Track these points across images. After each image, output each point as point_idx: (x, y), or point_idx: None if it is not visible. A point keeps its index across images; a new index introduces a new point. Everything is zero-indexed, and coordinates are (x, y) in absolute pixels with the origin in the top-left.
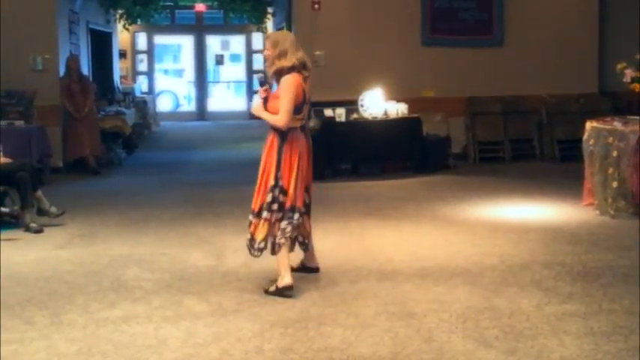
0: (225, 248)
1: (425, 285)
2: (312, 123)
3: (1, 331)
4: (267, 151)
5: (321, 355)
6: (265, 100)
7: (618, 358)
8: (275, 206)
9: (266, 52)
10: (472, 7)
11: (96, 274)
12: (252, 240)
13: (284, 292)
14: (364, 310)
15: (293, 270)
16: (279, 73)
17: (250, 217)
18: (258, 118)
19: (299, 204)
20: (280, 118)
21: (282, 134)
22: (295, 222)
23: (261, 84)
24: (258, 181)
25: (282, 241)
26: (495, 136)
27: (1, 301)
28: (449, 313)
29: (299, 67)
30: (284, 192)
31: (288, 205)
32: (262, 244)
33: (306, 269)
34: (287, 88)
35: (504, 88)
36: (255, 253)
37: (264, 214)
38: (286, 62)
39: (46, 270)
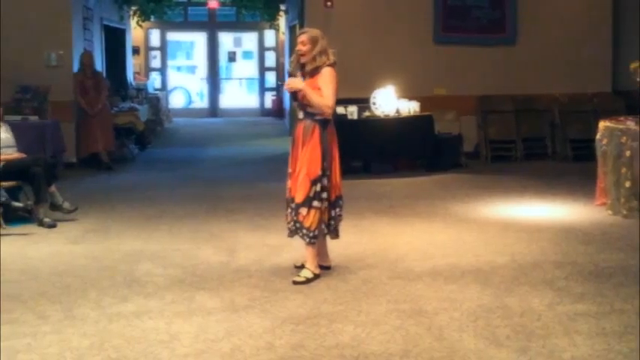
0: (237, 244)
1: (436, 283)
2: None
3: (15, 325)
4: (309, 142)
5: (332, 351)
6: (293, 94)
7: (630, 358)
8: (324, 195)
9: (304, 48)
10: (485, 5)
11: (109, 269)
12: (306, 229)
13: (311, 282)
14: (375, 307)
15: (303, 267)
16: (317, 69)
17: (293, 207)
18: (296, 95)
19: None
20: (328, 102)
21: (324, 124)
22: (341, 210)
23: (290, 76)
24: (297, 172)
25: (325, 230)
26: (508, 135)
27: (14, 295)
28: (460, 311)
29: (335, 64)
30: (330, 181)
31: (338, 193)
32: (316, 232)
33: (319, 266)
34: (331, 78)
35: (517, 87)
36: (312, 241)
37: (315, 203)
38: (329, 59)
39: (60, 265)
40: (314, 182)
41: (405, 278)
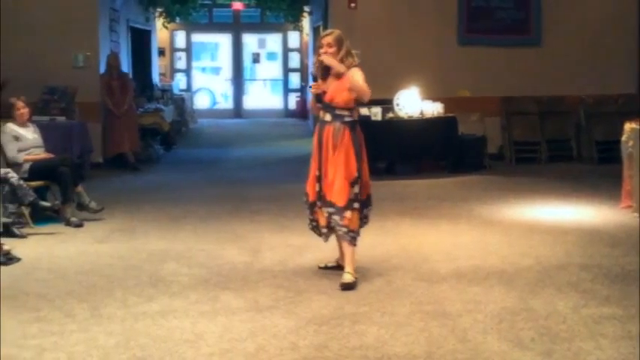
0: (260, 245)
1: (460, 285)
2: None
3: (42, 323)
4: (340, 145)
5: (356, 353)
6: (318, 96)
7: None
8: (360, 196)
9: (330, 50)
10: (510, 7)
11: (135, 269)
12: (351, 231)
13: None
14: (399, 309)
15: (327, 268)
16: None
17: (332, 211)
18: (321, 97)
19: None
20: (367, 90)
21: (353, 126)
22: (369, 211)
23: (314, 79)
24: (332, 176)
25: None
26: (532, 137)
27: (42, 293)
28: (484, 313)
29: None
30: (361, 181)
31: (368, 192)
32: (359, 232)
33: (341, 267)
34: (362, 75)
35: (541, 88)
36: (355, 242)
37: (355, 204)
38: (355, 60)
39: (86, 264)
40: (352, 184)
41: (428, 280)
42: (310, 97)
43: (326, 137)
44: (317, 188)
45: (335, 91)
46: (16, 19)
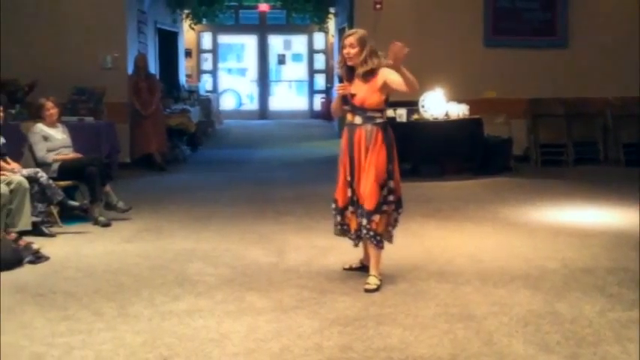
0: (285, 245)
1: (485, 287)
2: None
3: (71, 322)
4: (373, 148)
5: (380, 354)
6: (345, 98)
7: None
8: (391, 197)
9: (353, 51)
10: (536, 8)
11: (161, 268)
12: (378, 234)
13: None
14: (424, 310)
15: (351, 269)
16: (372, 72)
17: (363, 214)
18: (348, 99)
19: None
20: (414, 80)
21: (384, 127)
22: (398, 214)
23: (340, 80)
24: (364, 179)
25: (393, 232)
26: (558, 139)
27: (70, 292)
28: (509, 316)
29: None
30: (395, 182)
31: (399, 195)
32: (386, 235)
33: (366, 268)
34: (393, 72)
35: (568, 90)
36: (382, 245)
37: (384, 207)
38: (381, 60)
39: (114, 263)
40: (382, 187)
41: (453, 282)
42: (334, 99)
43: (358, 140)
44: (349, 193)
45: (366, 93)
46: (45, 21)
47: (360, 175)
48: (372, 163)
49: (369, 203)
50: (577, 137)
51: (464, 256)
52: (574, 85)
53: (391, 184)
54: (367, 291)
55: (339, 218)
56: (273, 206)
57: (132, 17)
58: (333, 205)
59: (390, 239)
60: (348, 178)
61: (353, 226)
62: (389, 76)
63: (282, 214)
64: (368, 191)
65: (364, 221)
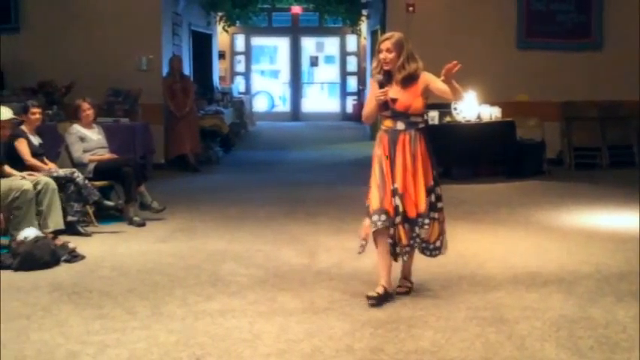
0: (317, 247)
1: (517, 292)
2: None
3: (105, 320)
4: (418, 154)
5: (412, 356)
6: (385, 103)
7: None
8: (440, 204)
9: (390, 56)
10: (570, 10)
11: (195, 268)
12: (432, 244)
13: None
14: (455, 314)
15: (403, 291)
16: (411, 77)
17: (413, 221)
18: (388, 104)
19: None
20: (460, 88)
21: (425, 132)
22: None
23: (381, 85)
24: (412, 187)
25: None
26: (592, 142)
27: (105, 291)
28: (542, 320)
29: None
30: (440, 189)
31: (442, 203)
32: (438, 243)
33: (410, 288)
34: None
35: (602, 93)
36: (434, 253)
37: (434, 214)
38: (419, 64)
39: (148, 262)
40: (429, 192)
41: (485, 285)
42: (367, 104)
43: (402, 147)
44: (396, 202)
45: (409, 98)
46: (83, 24)
47: (405, 182)
48: (420, 171)
49: (419, 209)
50: (611, 140)
51: (496, 259)
52: (608, 87)
53: (438, 190)
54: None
55: (391, 231)
56: (304, 208)
57: (167, 19)
58: (384, 217)
59: (443, 249)
60: (392, 187)
61: (404, 240)
62: (434, 82)
63: (314, 215)
64: (419, 199)
65: (416, 229)
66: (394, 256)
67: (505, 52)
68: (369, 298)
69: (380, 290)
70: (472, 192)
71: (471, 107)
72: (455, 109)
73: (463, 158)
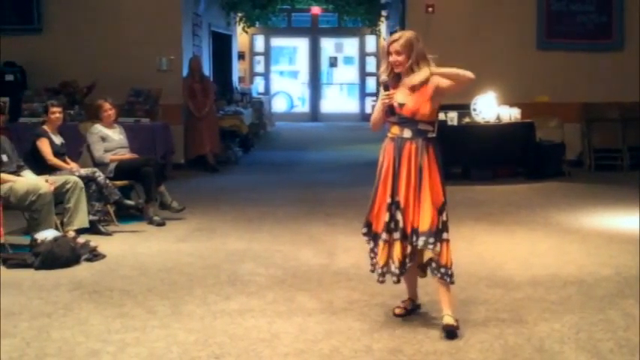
0: (336, 248)
1: (536, 293)
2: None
3: (125, 319)
4: (426, 166)
5: (430, 357)
6: (390, 108)
7: None
8: (448, 224)
9: (399, 58)
10: (591, 10)
11: (214, 268)
12: (444, 267)
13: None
14: (474, 315)
15: (406, 312)
16: (423, 79)
17: (419, 237)
18: (394, 109)
19: None
20: (462, 71)
21: (435, 143)
22: None
23: (385, 88)
24: (419, 202)
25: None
26: (613, 144)
27: (125, 290)
28: (561, 323)
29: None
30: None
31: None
32: (450, 271)
33: (418, 306)
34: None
35: (624, 94)
36: (448, 280)
37: (444, 235)
38: (430, 64)
39: (168, 262)
40: (440, 211)
41: (504, 287)
42: (376, 109)
43: (407, 157)
44: (386, 218)
45: (417, 103)
46: (104, 25)
47: (408, 196)
48: (426, 184)
49: (425, 224)
50: (633, 142)
51: (515, 261)
52: (630, 88)
53: (445, 207)
54: (450, 334)
55: (372, 247)
56: (323, 208)
57: (187, 20)
58: (364, 230)
59: (453, 278)
60: (389, 201)
61: (396, 257)
62: (443, 81)
63: (333, 215)
64: (425, 215)
65: (420, 244)
66: (382, 276)
67: (525, 53)
68: (395, 315)
69: (406, 304)
70: (491, 193)
71: (491, 108)
72: (474, 109)
73: (482, 159)
